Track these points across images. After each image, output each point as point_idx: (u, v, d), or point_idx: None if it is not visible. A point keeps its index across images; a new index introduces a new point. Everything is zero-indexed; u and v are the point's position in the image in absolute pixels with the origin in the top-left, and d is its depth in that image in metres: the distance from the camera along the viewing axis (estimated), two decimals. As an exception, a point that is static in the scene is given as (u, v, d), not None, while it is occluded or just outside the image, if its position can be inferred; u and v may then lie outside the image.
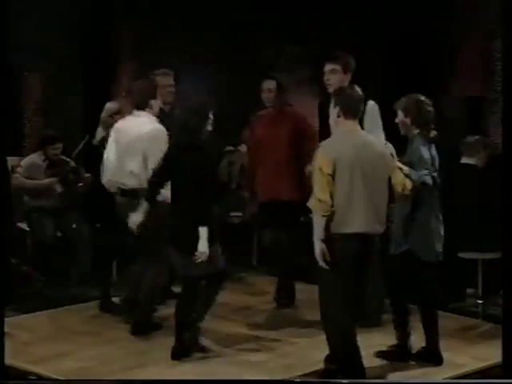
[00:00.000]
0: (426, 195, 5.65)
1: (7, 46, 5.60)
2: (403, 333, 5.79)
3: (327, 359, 5.51)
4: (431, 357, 5.78)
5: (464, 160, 7.26)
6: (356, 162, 5.26)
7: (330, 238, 5.26)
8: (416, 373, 5.66)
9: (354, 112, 5.40)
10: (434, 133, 5.72)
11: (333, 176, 5.22)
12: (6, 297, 5.83)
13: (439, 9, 9.08)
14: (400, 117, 5.76)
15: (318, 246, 5.29)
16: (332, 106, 5.46)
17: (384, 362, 5.76)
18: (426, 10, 9.08)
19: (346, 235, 5.24)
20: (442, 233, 5.79)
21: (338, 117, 5.41)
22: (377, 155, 5.37)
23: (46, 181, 7.91)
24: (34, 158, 8.05)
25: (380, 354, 5.83)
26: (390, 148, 5.61)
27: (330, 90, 6.29)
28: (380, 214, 5.35)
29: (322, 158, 5.26)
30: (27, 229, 8.05)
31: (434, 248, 5.73)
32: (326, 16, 9.44)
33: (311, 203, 5.30)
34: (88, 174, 7.82)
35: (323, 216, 5.23)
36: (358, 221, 5.25)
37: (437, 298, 5.88)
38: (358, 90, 5.48)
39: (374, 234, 5.37)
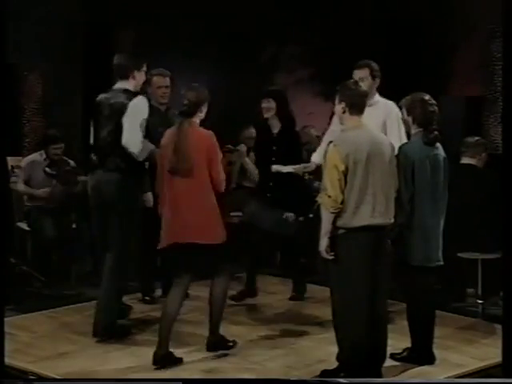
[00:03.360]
0: (424, 200, 5.66)
1: (7, 45, 5.60)
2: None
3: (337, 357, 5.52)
4: (425, 357, 5.77)
5: (464, 160, 7.26)
6: (367, 156, 5.29)
7: (340, 234, 5.30)
8: (416, 373, 5.65)
9: (359, 107, 5.42)
10: (435, 133, 5.71)
11: (345, 172, 5.26)
12: (5, 297, 5.83)
13: (439, 8, 9.09)
14: (404, 115, 5.79)
15: (324, 242, 5.32)
16: (336, 101, 5.47)
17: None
18: (426, 9, 9.10)
19: (358, 228, 5.27)
20: (441, 237, 5.78)
21: (343, 113, 5.44)
22: (384, 149, 5.41)
23: (41, 191, 7.98)
24: (36, 156, 8.12)
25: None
26: None
27: None
28: (389, 207, 5.40)
29: (336, 155, 5.28)
30: (27, 229, 8.06)
31: (433, 254, 5.72)
32: (326, 16, 9.45)
33: (321, 199, 5.33)
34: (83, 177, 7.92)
35: (332, 212, 5.27)
36: (369, 214, 5.28)
37: (436, 300, 5.88)
38: (362, 85, 5.51)
39: (384, 225, 5.38)
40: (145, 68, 6.41)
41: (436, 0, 9.15)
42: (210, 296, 5.93)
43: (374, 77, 6.51)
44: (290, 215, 7.09)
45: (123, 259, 6.28)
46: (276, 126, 7.16)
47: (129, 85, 6.29)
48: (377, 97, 6.55)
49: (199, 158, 5.69)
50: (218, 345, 5.97)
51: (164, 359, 5.71)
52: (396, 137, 6.22)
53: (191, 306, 6.82)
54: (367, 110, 5.88)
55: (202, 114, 5.82)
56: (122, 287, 6.43)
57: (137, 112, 6.16)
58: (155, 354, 5.70)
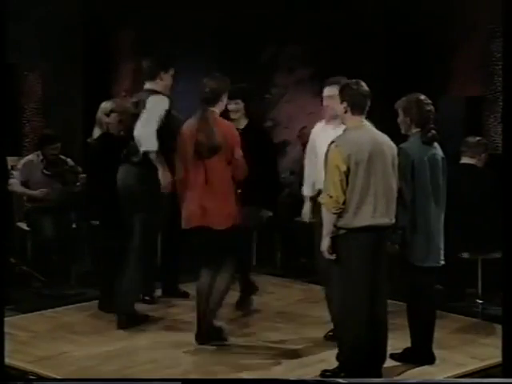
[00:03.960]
0: (425, 200, 5.65)
1: (7, 45, 5.60)
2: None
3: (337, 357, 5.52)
4: (425, 357, 5.77)
5: (464, 160, 7.26)
6: (369, 157, 5.28)
7: (341, 234, 5.30)
8: (416, 373, 5.65)
9: (361, 107, 5.40)
10: (433, 132, 5.71)
11: (346, 172, 5.26)
12: (5, 297, 5.83)
13: (439, 8, 9.09)
14: (400, 116, 5.77)
15: (326, 242, 5.32)
16: (339, 101, 5.46)
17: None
18: (426, 9, 9.09)
19: (359, 229, 5.26)
20: (442, 237, 5.77)
21: (345, 112, 5.43)
22: (386, 149, 5.40)
23: (39, 191, 7.95)
24: (32, 157, 8.08)
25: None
26: None
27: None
28: (390, 207, 5.38)
29: (337, 155, 5.27)
30: (27, 229, 8.05)
31: (435, 254, 5.72)
32: (326, 16, 9.45)
33: (323, 199, 5.33)
34: (83, 175, 7.95)
35: (334, 213, 5.27)
36: (370, 214, 5.27)
37: (436, 299, 5.88)
38: (364, 85, 5.48)
39: (385, 225, 5.37)
40: (172, 72, 6.61)
41: (436, 0, 9.14)
42: (211, 287, 6.02)
43: None
44: (266, 212, 7.06)
45: (148, 248, 6.60)
46: (243, 123, 6.89)
47: (156, 86, 6.52)
48: None
49: (223, 144, 5.91)
50: (212, 335, 6.02)
51: (205, 336, 5.98)
52: None
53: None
54: (337, 129, 5.64)
55: (222, 104, 6.07)
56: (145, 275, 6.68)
57: (154, 108, 6.35)
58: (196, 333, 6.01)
